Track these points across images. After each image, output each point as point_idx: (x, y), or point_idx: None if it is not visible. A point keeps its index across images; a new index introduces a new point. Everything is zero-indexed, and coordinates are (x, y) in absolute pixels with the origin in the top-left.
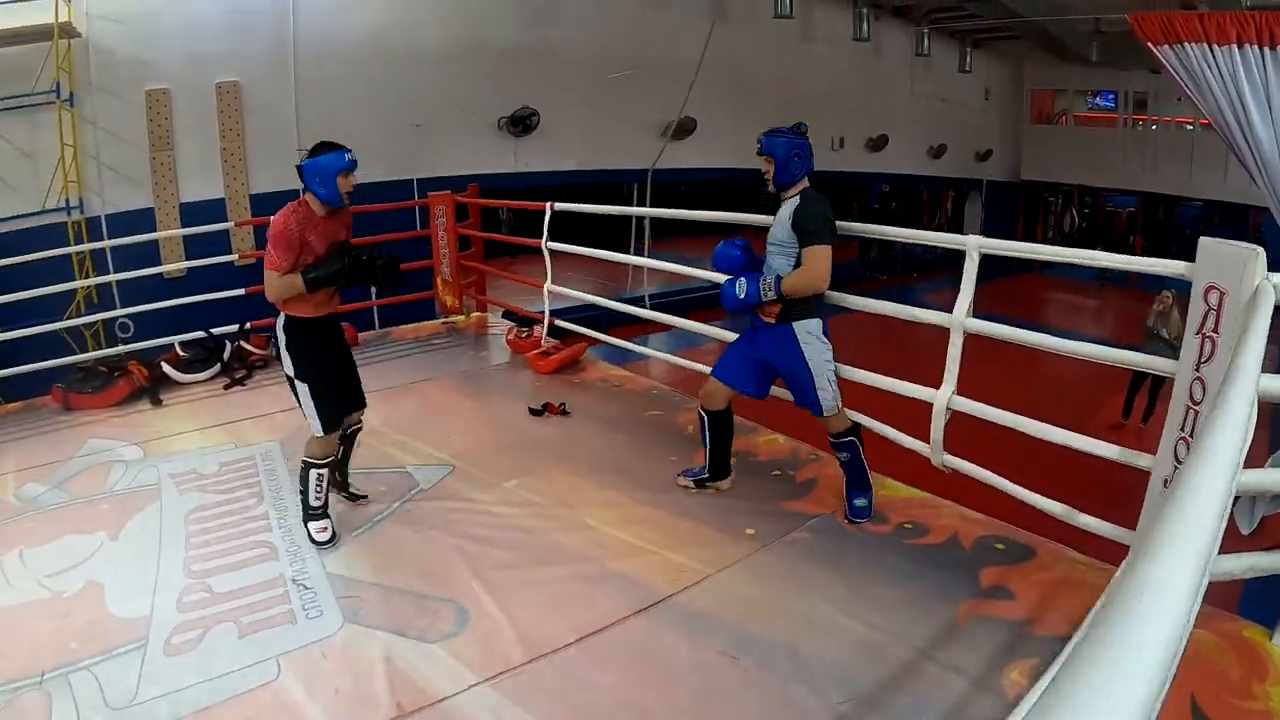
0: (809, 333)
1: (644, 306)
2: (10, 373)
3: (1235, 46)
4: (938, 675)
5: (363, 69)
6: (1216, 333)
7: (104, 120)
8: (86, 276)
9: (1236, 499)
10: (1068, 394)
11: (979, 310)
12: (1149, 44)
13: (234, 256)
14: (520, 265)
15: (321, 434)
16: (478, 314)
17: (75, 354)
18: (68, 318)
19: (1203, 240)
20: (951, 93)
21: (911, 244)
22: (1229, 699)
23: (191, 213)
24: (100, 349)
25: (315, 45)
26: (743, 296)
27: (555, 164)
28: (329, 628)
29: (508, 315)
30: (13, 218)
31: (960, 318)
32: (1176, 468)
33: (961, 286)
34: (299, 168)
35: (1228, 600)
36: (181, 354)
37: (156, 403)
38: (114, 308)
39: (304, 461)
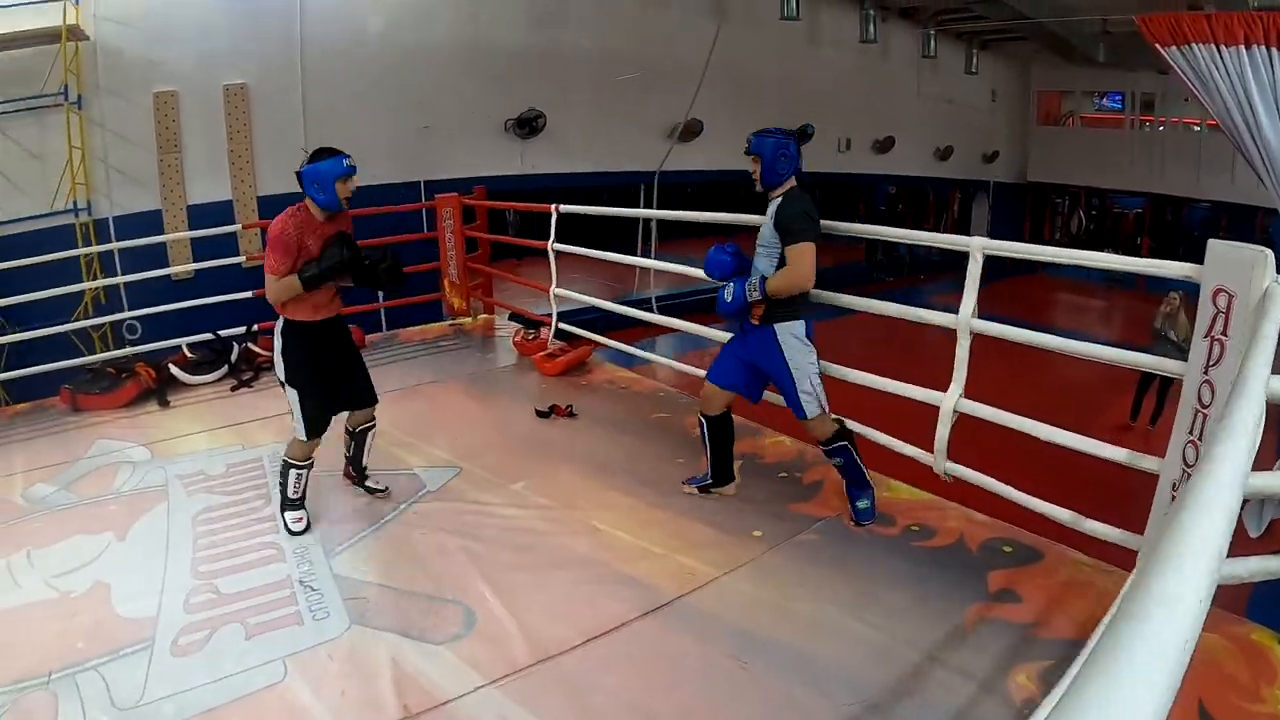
0: (791, 334)
1: (651, 309)
2: (19, 374)
3: (1243, 47)
4: (944, 678)
5: (370, 71)
6: (1225, 335)
7: (112, 122)
8: (94, 278)
9: (1245, 502)
10: (1074, 396)
11: (986, 311)
12: (1156, 45)
13: (241, 258)
14: (527, 267)
15: (304, 438)
16: (485, 316)
17: (83, 355)
18: (76, 319)
19: (1211, 243)
20: (958, 94)
21: (918, 246)
22: (1237, 702)
23: (199, 215)
24: (108, 350)
25: (323, 47)
26: (730, 300)
27: (561, 166)
28: (336, 629)
29: (514, 317)
30: (21, 219)
31: (966, 319)
32: (1184, 471)
33: (965, 288)
34: (298, 173)
35: (1236, 603)
36: (189, 356)
37: (164, 404)
38: (122, 309)
39: (284, 461)
